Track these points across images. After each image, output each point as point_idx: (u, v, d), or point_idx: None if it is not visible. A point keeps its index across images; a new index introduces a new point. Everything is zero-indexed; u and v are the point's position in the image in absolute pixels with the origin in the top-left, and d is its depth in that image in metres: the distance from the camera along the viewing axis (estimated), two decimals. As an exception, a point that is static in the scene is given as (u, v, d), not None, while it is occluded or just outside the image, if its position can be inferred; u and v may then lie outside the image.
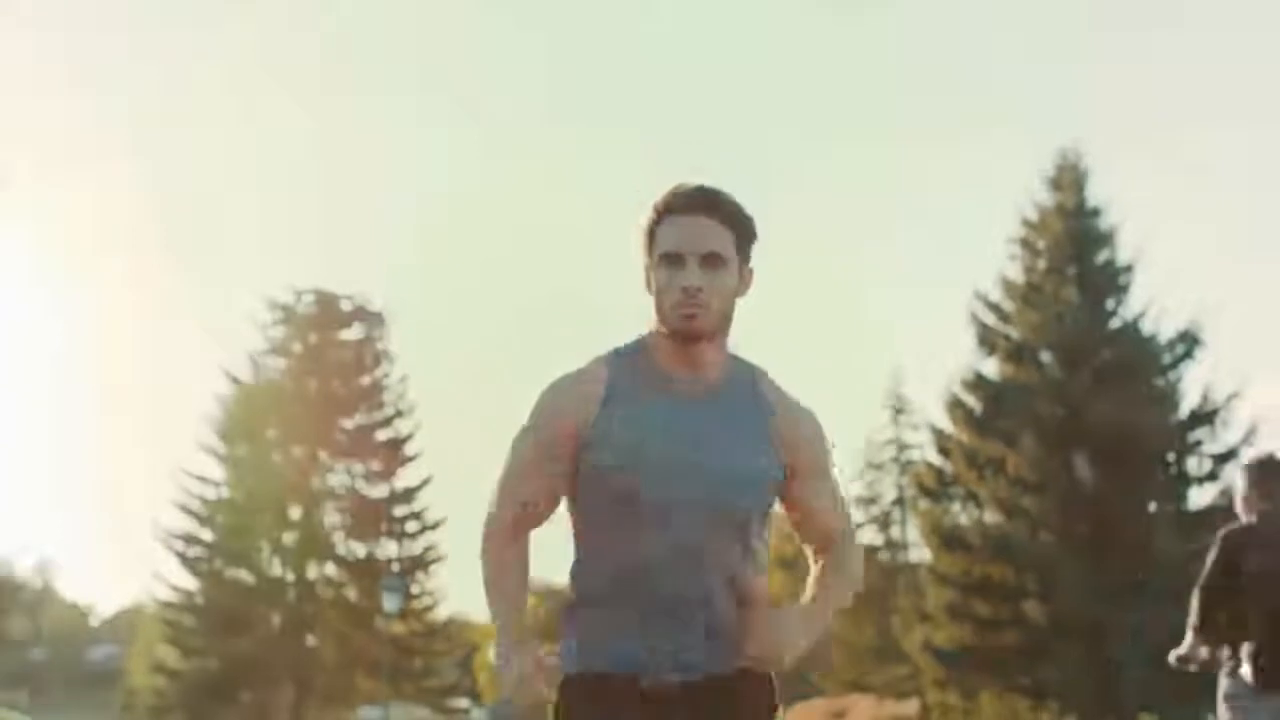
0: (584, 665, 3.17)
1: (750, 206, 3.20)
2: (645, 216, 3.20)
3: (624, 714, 3.12)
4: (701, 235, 3.11)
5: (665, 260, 3.12)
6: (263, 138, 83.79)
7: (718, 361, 3.17)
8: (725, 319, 3.16)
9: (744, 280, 3.18)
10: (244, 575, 40.15)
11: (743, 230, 3.16)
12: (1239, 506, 6.86)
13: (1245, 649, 6.57)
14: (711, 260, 3.10)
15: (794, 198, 70.99)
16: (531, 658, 3.07)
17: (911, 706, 36.14)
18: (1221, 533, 6.75)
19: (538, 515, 3.21)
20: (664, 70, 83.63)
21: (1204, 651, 6.72)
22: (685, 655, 3.12)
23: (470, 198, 78.74)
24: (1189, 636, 6.78)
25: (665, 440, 3.10)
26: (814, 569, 3.34)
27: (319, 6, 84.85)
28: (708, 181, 3.21)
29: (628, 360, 3.19)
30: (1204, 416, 31.38)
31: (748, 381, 3.21)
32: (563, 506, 3.23)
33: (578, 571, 3.21)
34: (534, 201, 77.28)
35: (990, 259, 41.87)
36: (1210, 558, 6.71)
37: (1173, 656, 6.94)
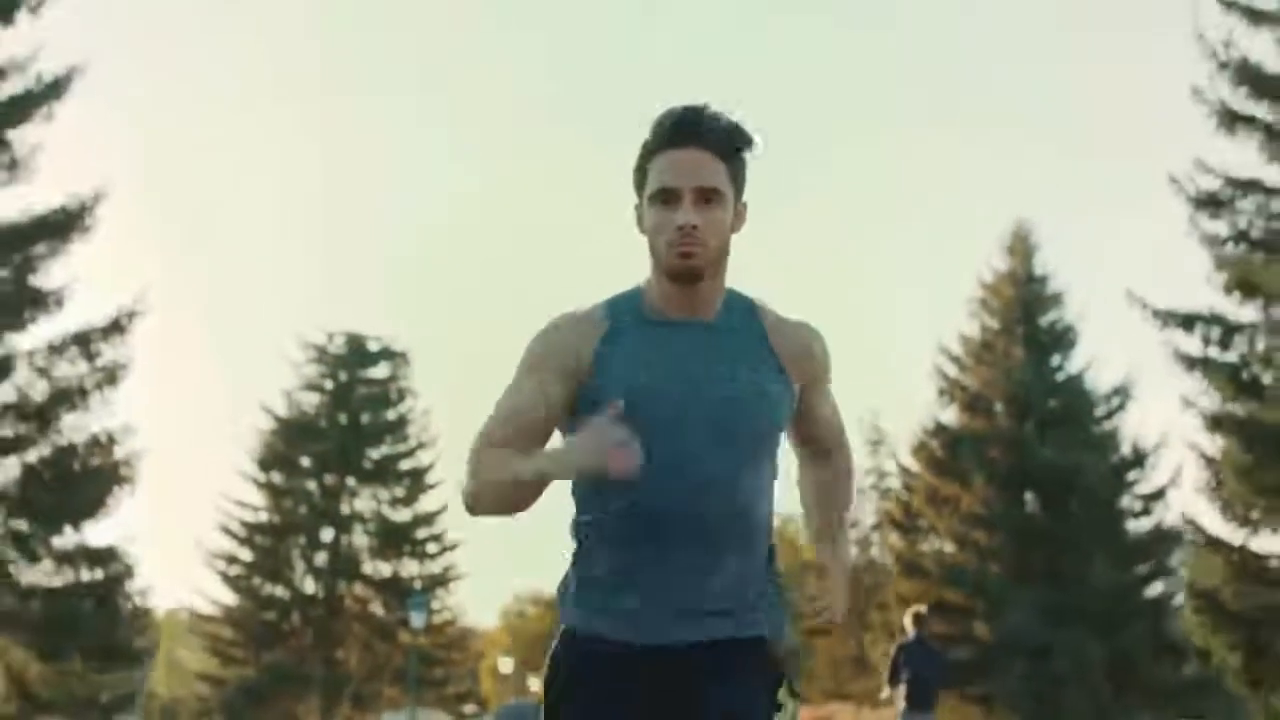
0: (583, 623, 3.14)
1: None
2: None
3: (622, 682, 3.09)
4: (695, 170, 3.05)
5: (658, 198, 3.08)
6: (284, 181, 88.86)
7: (715, 297, 3.14)
8: (722, 256, 3.11)
9: (738, 215, 3.14)
10: (279, 591, 44.94)
11: (737, 159, 3.11)
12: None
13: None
14: (706, 195, 3.05)
15: (793, 201, 75.37)
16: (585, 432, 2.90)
17: (888, 714, 41.70)
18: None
19: (527, 444, 3.05)
20: (663, 70, 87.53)
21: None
22: (691, 607, 3.07)
23: (490, 245, 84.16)
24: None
25: (669, 366, 3.08)
26: (810, 470, 3.42)
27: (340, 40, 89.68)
28: (698, 101, 3.13)
29: (625, 303, 3.16)
30: (1136, 460, 37.01)
31: (745, 309, 3.19)
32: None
33: (580, 517, 3.17)
34: (550, 242, 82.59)
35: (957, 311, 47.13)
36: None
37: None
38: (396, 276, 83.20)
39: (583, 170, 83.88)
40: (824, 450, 3.39)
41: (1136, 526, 37.03)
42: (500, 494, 2.98)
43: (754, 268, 3.46)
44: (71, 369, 22.45)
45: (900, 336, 74.02)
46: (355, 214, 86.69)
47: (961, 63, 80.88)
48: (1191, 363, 22.07)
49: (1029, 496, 36.69)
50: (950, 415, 38.29)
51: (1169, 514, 35.73)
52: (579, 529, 3.16)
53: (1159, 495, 36.52)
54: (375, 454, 45.86)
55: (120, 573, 23.49)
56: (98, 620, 22.82)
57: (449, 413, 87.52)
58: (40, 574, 22.86)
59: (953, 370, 38.46)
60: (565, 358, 3.09)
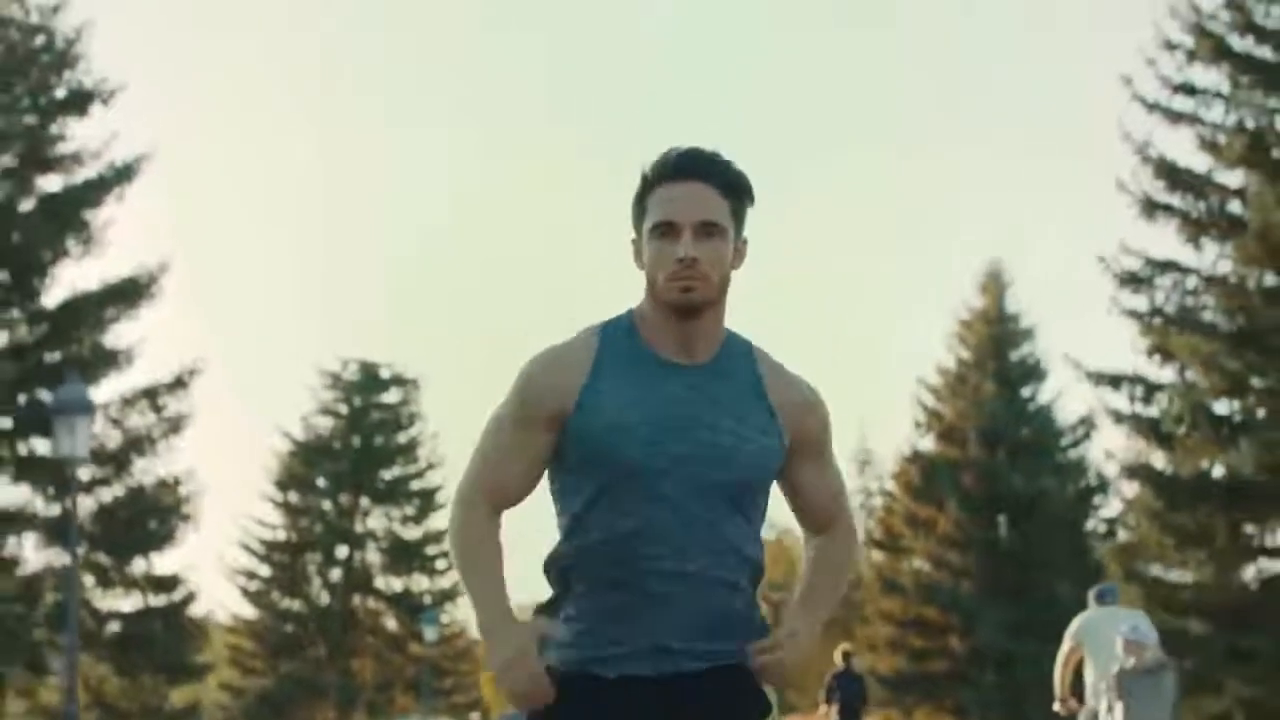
0: (561, 658, 3.12)
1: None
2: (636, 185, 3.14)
3: (599, 712, 3.08)
4: (697, 204, 3.06)
5: (658, 231, 3.07)
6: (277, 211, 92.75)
7: (713, 336, 3.12)
8: (722, 291, 3.10)
9: (738, 252, 3.13)
10: (296, 606, 47.82)
11: (739, 198, 3.12)
12: None
13: None
14: (707, 230, 3.05)
15: (786, 206, 78.35)
16: (521, 637, 3.03)
17: (874, 721, 45.55)
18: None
19: (515, 491, 3.14)
20: (665, 69, 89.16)
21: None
22: (666, 643, 3.07)
23: (498, 278, 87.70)
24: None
25: (657, 406, 3.06)
26: (809, 551, 3.33)
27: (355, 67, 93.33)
28: (701, 143, 3.15)
29: (618, 332, 3.14)
30: (1100, 486, 40.83)
31: (743, 354, 3.16)
32: (542, 487, 3.18)
33: (559, 552, 3.16)
34: (551, 257, 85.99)
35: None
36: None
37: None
38: (404, 304, 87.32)
39: (585, 180, 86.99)
40: (819, 525, 3.30)
41: (1100, 548, 40.85)
42: (460, 572, 3.13)
43: (750, 284, 3.30)
44: (141, 420, 26.31)
45: (895, 356, 77.74)
46: (359, 243, 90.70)
47: (968, 73, 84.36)
48: (1119, 417, 25.92)
49: (1000, 520, 40.52)
50: (928, 443, 42.10)
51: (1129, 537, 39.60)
52: (559, 561, 3.16)
53: (1120, 520, 40.36)
54: (387, 475, 48.90)
55: (184, 597, 27.51)
56: (165, 639, 26.74)
57: (456, 435, 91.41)
58: (115, 599, 26.86)
59: (930, 401, 42.27)
60: (551, 402, 3.08)
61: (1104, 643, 11.46)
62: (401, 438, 49.68)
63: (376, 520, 48.95)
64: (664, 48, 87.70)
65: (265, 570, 48.00)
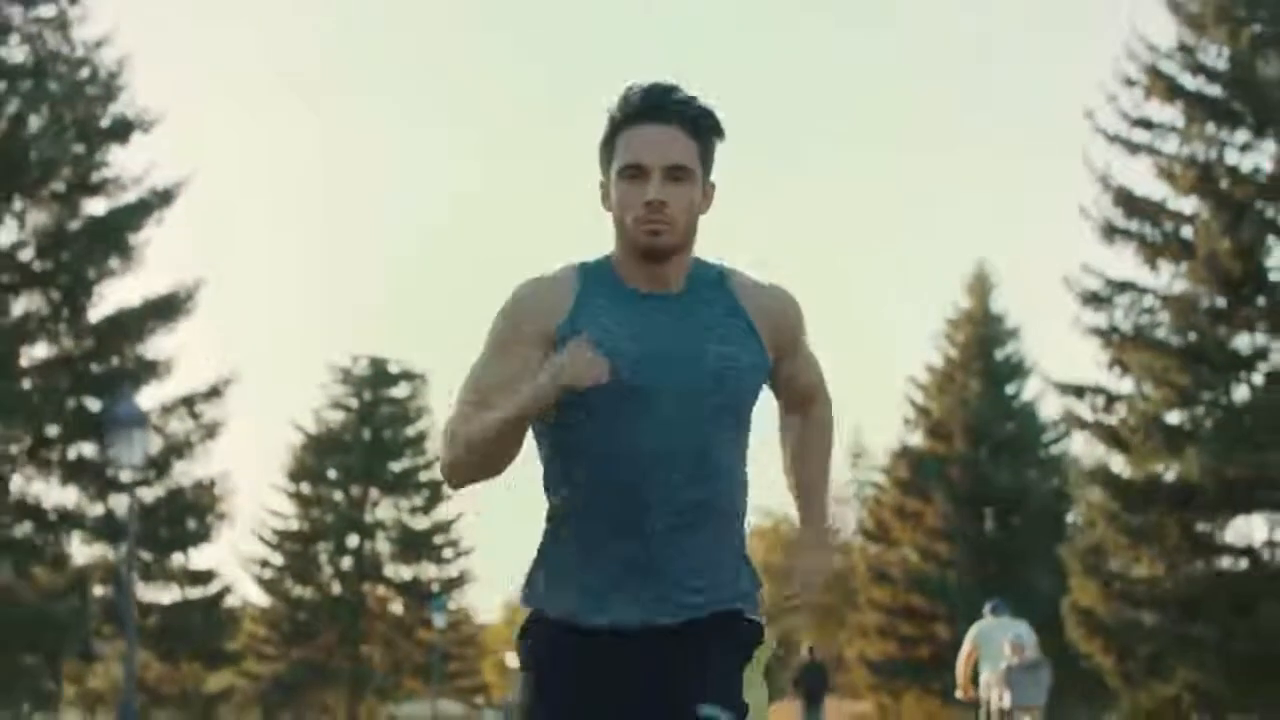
0: (550, 603, 3.17)
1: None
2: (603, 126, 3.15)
3: (596, 662, 3.11)
4: (665, 146, 3.08)
5: (626, 173, 3.09)
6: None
7: (682, 273, 3.16)
8: (689, 234, 3.13)
9: (706, 195, 3.15)
10: (308, 593, 49.90)
11: (707, 139, 3.14)
12: None
13: None
14: (675, 173, 3.08)
15: (781, 204, 80.00)
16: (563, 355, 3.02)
17: (866, 705, 48.03)
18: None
19: None
20: (664, 69, 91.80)
21: None
22: (664, 585, 3.10)
23: (501, 275, 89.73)
24: None
25: (639, 337, 3.09)
26: (787, 435, 3.43)
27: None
28: (667, 79, 3.14)
29: (596, 270, 3.18)
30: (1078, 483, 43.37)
31: (713, 279, 3.21)
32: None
33: (547, 485, 3.19)
34: (552, 248, 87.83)
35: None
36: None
37: None
38: (411, 301, 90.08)
39: (587, 178, 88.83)
40: (803, 403, 3.40)
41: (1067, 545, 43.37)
42: (483, 450, 3.05)
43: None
44: (180, 426, 28.97)
45: (889, 354, 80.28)
46: (365, 244, 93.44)
47: (966, 76, 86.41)
48: (1082, 424, 28.57)
49: (985, 513, 43.12)
50: (917, 439, 44.68)
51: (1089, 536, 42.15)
52: (549, 512, 3.18)
53: (1081, 519, 42.87)
54: (396, 467, 51.00)
55: (220, 590, 30.32)
56: (203, 628, 29.50)
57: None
58: (157, 592, 29.66)
59: (920, 398, 44.83)
60: (535, 327, 3.12)
61: (995, 646, 15.47)
62: (410, 431, 51.59)
63: (386, 510, 51.02)
64: (663, 48, 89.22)
65: (278, 559, 49.86)
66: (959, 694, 16.22)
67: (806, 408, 3.42)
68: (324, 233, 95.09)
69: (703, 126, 3.13)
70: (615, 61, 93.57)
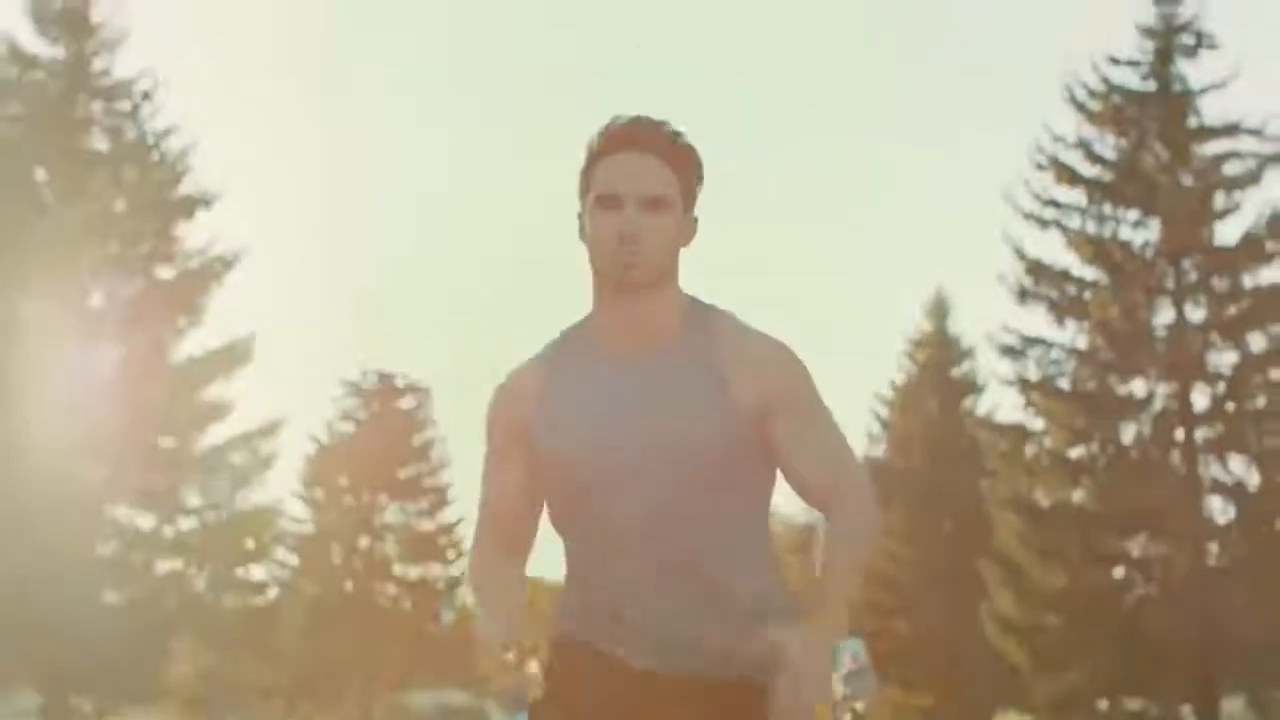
0: (579, 626, 3.23)
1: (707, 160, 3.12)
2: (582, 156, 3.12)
3: (606, 689, 3.16)
4: (642, 176, 3.06)
5: (601, 203, 3.07)
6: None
7: (666, 314, 3.12)
8: (666, 270, 3.11)
9: (686, 230, 3.13)
10: (321, 593, 54.35)
11: (687, 172, 3.11)
12: None
13: None
14: (652, 205, 3.05)
15: (781, 207, 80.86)
16: (513, 617, 3.09)
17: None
18: None
19: (517, 524, 3.23)
20: (665, 69, 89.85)
21: None
22: (659, 641, 3.14)
23: (502, 292, 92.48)
24: None
25: (607, 409, 3.10)
26: (821, 533, 3.29)
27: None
28: (653, 114, 3.14)
29: (571, 337, 3.19)
30: (1029, 489, 49.78)
31: (701, 327, 3.15)
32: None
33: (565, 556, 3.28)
34: (560, 268, 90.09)
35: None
36: None
37: None
38: (416, 319, 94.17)
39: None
40: (815, 497, 3.28)
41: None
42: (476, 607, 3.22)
43: (720, 291, 3.18)
44: (238, 460, 35.38)
45: (859, 371, 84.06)
46: (365, 255, 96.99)
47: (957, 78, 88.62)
48: (1003, 456, 35.29)
49: (942, 519, 49.46)
50: (880, 451, 51.03)
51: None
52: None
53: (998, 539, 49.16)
54: (403, 474, 55.42)
55: (274, 600, 36.90)
56: (258, 632, 36.21)
57: (463, 438, 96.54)
58: (225, 600, 36.34)
59: (884, 412, 51.22)
60: (510, 431, 3.19)
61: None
62: (415, 440, 56.25)
63: (394, 514, 55.40)
64: (664, 47, 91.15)
65: (293, 560, 54.54)
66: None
67: (828, 502, 3.28)
68: (337, 255, 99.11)
69: (682, 160, 3.14)
70: (616, 58, 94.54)
